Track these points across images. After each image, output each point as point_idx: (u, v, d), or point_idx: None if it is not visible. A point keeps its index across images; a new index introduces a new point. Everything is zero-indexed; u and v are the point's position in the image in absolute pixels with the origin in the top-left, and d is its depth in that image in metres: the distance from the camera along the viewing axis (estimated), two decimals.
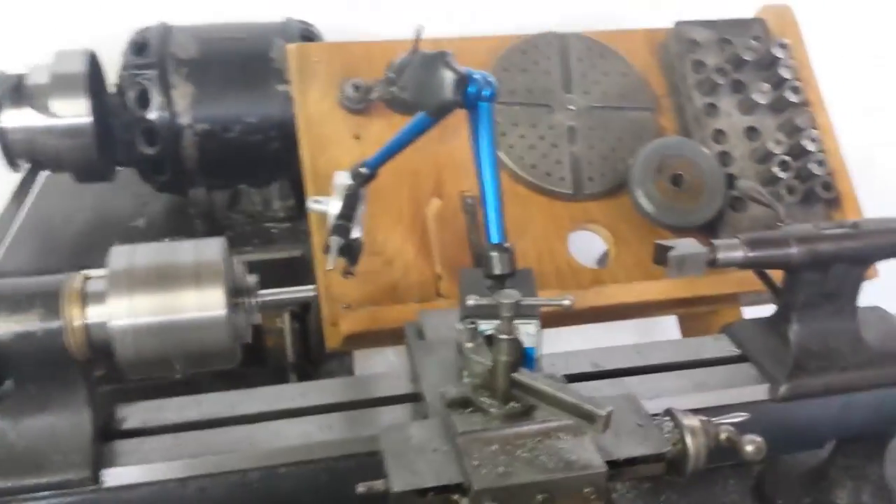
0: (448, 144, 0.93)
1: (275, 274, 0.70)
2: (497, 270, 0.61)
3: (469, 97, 0.60)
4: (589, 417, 0.52)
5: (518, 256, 0.89)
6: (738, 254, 0.66)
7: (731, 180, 0.91)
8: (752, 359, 0.72)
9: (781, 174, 0.88)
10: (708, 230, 0.90)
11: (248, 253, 0.91)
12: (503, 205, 0.63)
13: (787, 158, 0.89)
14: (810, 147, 0.89)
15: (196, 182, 0.96)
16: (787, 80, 0.92)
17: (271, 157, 0.95)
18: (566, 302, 0.55)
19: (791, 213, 0.89)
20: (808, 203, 0.90)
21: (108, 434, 0.60)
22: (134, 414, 0.63)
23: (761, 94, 0.91)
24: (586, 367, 0.71)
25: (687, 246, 0.65)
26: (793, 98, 0.91)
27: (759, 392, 0.69)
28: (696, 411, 0.63)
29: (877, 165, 1.32)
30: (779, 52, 0.92)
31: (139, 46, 0.95)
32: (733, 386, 0.70)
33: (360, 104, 0.90)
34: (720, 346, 0.75)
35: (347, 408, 0.64)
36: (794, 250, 0.66)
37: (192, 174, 0.95)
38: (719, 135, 0.93)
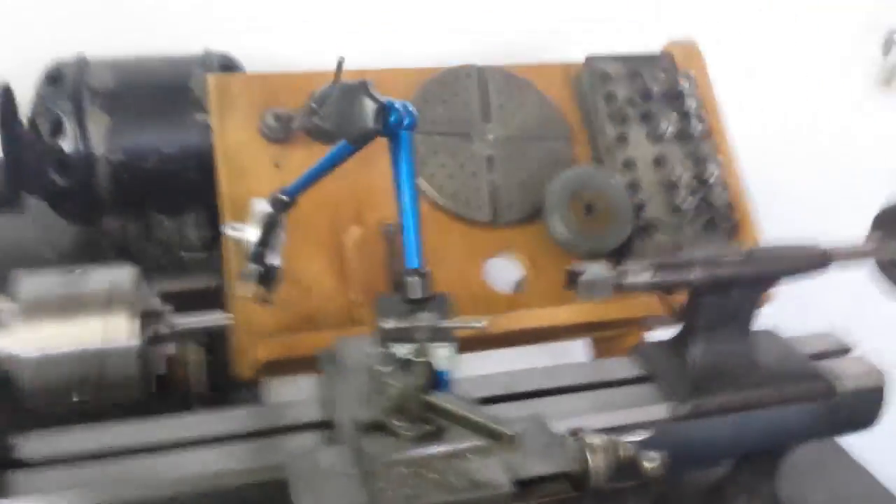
0: (368, 173, 0.94)
1: (189, 304, 0.69)
2: (414, 295, 0.62)
3: (389, 126, 0.61)
4: (498, 437, 0.54)
5: (438, 285, 0.92)
6: (645, 277, 0.69)
7: (639, 208, 0.95)
8: (655, 379, 0.75)
9: (686, 202, 0.92)
10: (617, 256, 0.94)
11: (162, 283, 0.89)
12: (421, 231, 0.64)
13: (691, 186, 0.93)
14: (713, 175, 0.94)
15: (110, 212, 0.95)
16: (691, 110, 0.96)
17: (188, 187, 0.95)
18: (480, 324, 0.56)
19: (694, 239, 0.94)
20: (711, 229, 0.95)
21: (2, 464, 0.59)
22: (30, 444, 0.61)
23: (668, 124, 0.95)
24: (499, 390, 0.73)
25: (596, 270, 0.68)
26: (697, 128, 0.96)
27: (662, 411, 0.71)
28: (601, 430, 0.65)
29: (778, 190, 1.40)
30: (685, 85, 0.97)
31: (54, 77, 0.94)
32: (638, 405, 0.72)
33: (280, 134, 0.91)
34: (627, 367, 0.78)
35: (254, 436, 0.64)
36: (696, 274, 0.69)
37: (106, 205, 0.94)
38: (629, 164, 0.97)
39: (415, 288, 0.62)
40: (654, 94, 0.98)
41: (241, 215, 0.87)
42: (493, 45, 1.24)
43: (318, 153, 0.93)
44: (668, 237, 0.94)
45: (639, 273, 0.68)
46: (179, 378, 0.93)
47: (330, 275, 0.88)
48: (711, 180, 0.94)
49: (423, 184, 0.93)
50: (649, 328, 0.99)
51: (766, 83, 1.49)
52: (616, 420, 0.70)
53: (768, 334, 0.81)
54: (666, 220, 0.95)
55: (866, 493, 0.91)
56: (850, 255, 0.74)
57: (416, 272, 0.62)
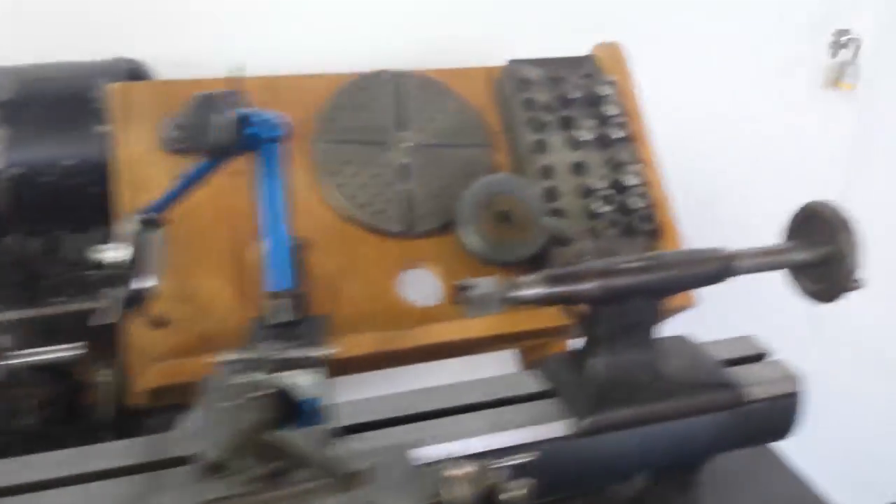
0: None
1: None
2: (276, 319, 0.59)
3: (249, 139, 0.58)
4: (346, 474, 0.51)
5: (346, 298, 0.89)
6: (538, 290, 0.66)
7: (557, 216, 0.93)
8: (559, 393, 0.72)
9: (603, 208, 0.90)
10: (536, 265, 0.91)
11: (63, 302, 0.86)
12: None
13: (608, 193, 0.90)
14: (632, 181, 0.92)
15: (9, 229, 0.91)
16: (611, 116, 0.94)
17: (91, 201, 0.91)
18: (329, 351, 0.53)
19: (614, 246, 0.91)
20: (630, 236, 0.92)
21: None
22: None
23: (586, 130, 0.93)
24: (389, 413, 0.70)
25: (485, 284, 0.65)
26: (617, 134, 0.94)
27: (564, 427, 0.69)
28: (494, 452, 0.63)
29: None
30: (605, 90, 0.95)
31: None
32: (539, 423, 0.70)
33: (184, 144, 0.88)
34: (530, 382, 0.75)
35: (131, 471, 0.60)
36: (591, 285, 0.67)
37: (5, 221, 0.91)
38: (547, 171, 0.94)
39: (278, 311, 0.59)
40: (574, 99, 0.95)
41: None
42: (425, 48, 1.22)
43: (231, 162, 0.91)
44: (586, 245, 0.92)
45: (530, 286, 0.66)
46: (88, 405, 0.90)
47: (229, 292, 0.85)
48: (630, 187, 0.91)
49: (333, 194, 0.90)
50: (571, 337, 0.97)
51: (705, 86, 1.48)
52: (513, 439, 0.67)
53: (679, 341, 0.79)
54: (584, 228, 0.92)
55: (797, 498, 0.89)
56: (755, 261, 0.71)
57: (279, 294, 0.59)
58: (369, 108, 0.95)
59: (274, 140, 0.60)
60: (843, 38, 1.70)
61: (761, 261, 0.72)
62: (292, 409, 0.58)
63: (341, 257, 0.90)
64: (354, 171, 0.92)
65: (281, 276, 0.61)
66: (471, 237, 0.88)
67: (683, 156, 1.53)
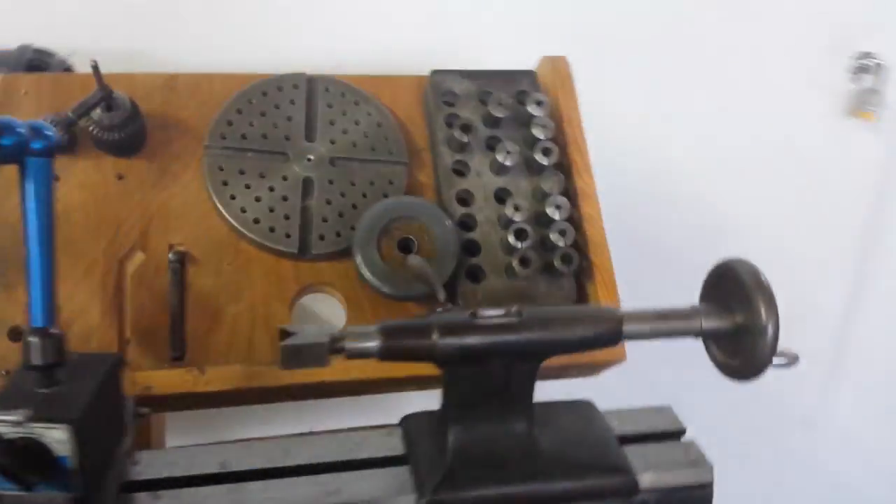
0: (164, 192, 0.83)
1: None
2: (36, 360, 0.51)
3: (5, 150, 0.50)
4: None
5: (230, 322, 0.80)
6: (372, 343, 0.57)
7: (472, 248, 0.83)
8: (411, 461, 0.63)
9: (517, 243, 0.80)
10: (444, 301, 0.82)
11: None
12: (55, 281, 0.52)
13: (525, 227, 0.80)
14: (554, 215, 0.81)
15: None
16: (539, 140, 0.84)
17: None
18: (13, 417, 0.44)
19: (533, 287, 0.81)
20: (552, 276, 0.82)
21: None
22: None
23: (511, 154, 0.83)
24: (212, 468, 0.61)
25: (308, 334, 0.56)
26: (543, 160, 0.83)
27: None
28: None
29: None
30: (534, 110, 0.84)
31: None
32: (375, 495, 0.60)
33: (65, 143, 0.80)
34: (389, 441, 0.65)
35: None
36: (437, 342, 0.57)
37: None
38: (466, 196, 0.84)
39: (36, 352, 0.50)
40: (502, 118, 0.85)
41: (6, 238, 0.78)
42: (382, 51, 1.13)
43: (107, 164, 0.83)
44: (501, 282, 0.82)
45: (363, 339, 0.56)
46: None
47: (98, 307, 0.77)
48: (553, 221, 0.81)
49: (220, 208, 0.82)
50: None
51: (708, 111, 1.36)
52: None
53: (573, 410, 0.69)
54: (497, 264, 0.82)
55: None
56: (649, 326, 0.61)
57: (41, 332, 0.51)
58: (274, 115, 0.86)
59: (42, 153, 0.51)
60: (866, 62, 1.55)
61: (657, 326, 0.61)
62: (43, 462, 0.50)
63: (228, 276, 0.82)
64: (248, 183, 0.83)
65: (40, 312, 0.52)
66: (362, 265, 0.79)
67: (686, 186, 1.42)
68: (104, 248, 0.80)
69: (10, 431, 0.47)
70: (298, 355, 0.55)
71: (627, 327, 0.60)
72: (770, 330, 0.59)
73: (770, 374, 0.63)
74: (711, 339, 0.64)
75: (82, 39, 1.10)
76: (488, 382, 0.60)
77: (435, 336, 0.57)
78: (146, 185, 0.83)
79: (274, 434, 1.18)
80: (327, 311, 0.90)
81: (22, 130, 0.50)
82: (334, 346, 0.56)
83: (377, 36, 1.16)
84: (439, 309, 0.61)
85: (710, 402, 1.44)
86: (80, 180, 0.82)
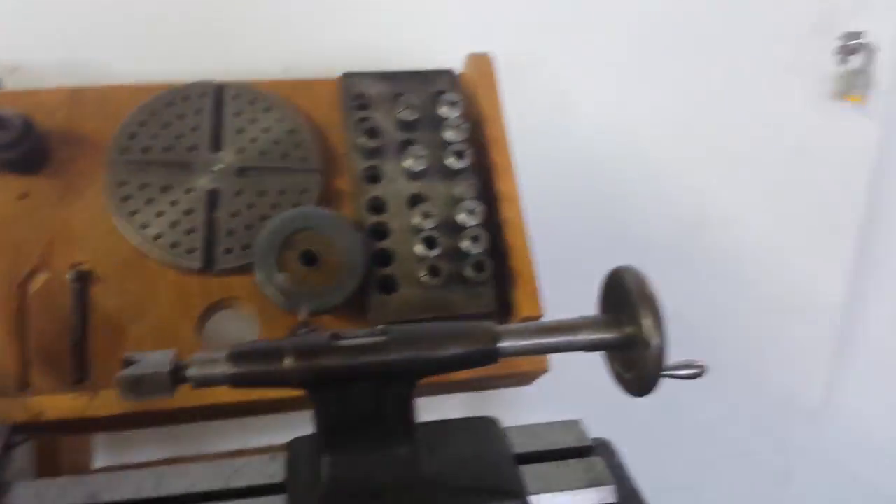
0: (64, 210, 0.81)
1: None
2: None
3: None
4: None
5: (134, 342, 0.78)
6: (220, 370, 0.53)
7: (385, 258, 0.79)
8: (288, 489, 0.59)
9: (427, 252, 0.76)
10: (351, 315, 0.78)
11: None
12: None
13: (433, 234, 0.76)
14: (467, 221, 0.77)
15: None
16: (454, 142, 0.79)
17: None
18: None
19: (450, 297, 0.77)
20: (469, 285, 0.78)
21: None
22: None
23: (417, 159, 0.79)
24: (80, 499, 0.58)
25: (149, 363, 0.52)
26: (455, 164, 0.79)
27: None
28: None
29: None
30: (446, 111, 0.80)
31: None
32: None
33: None
34: (271, 467, 0.62)
35: None
36: (290, 366, 0.53)
37: None
38: (378, 204, 0.81)
39: None
40: (415, 121, 0.81)
41: None
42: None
43: (8, 184, 0.81)
44: (414, 292, 0.78)
45: (211, 364, 0.53)
46: None
47: (0, 330, 0.75)
48: (464, 227, 0.76)
49: (124, 223, 0.79)
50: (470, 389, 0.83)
51: (688, 96, 1.30)
52: None
53: (471, 428, 0.65)
54: (412, 274, 0.78)
55: None
56: (530, 341, 0.56)
57: None
58: (179, 125, 0.83)
59: None
60: (852, 43, 1.48)
61: (539, 340, 0.57)
62: None
63: (131, 294, 0.79)
64: (150, 197, 0.80)
65: None
66: (261, 279, 0.75)
67: (665, 178, 1.37)
68: (4, 271, 0.78)
69: None
70: (139, 386, 0.52)
71: (506, 343, 0.56)
72: (656, 342, 0.54)
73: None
74: (605, 353, 0.60)
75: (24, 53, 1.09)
76: (358, 406, 0.56)
77: (288, 361, 0.53)
78: (49, 203, 0.81)
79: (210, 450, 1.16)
80: (242, 327, 0.87)
81: None
82: (178, 375, 0.52)
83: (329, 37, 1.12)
84: (303, 330, 0.58)
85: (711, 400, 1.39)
86: (41, 199, 0.80)
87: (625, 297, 0.57)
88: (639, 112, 1.36)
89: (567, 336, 0.57)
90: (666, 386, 0.61)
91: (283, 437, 0.65)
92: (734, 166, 1.44)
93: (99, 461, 1.06)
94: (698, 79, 1.37)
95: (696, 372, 0.59)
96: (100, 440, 1.09)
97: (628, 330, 0.57)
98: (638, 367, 0.57)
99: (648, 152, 1.39)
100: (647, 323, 0.55)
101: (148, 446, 1.25)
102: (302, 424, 0.69)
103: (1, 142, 0.76)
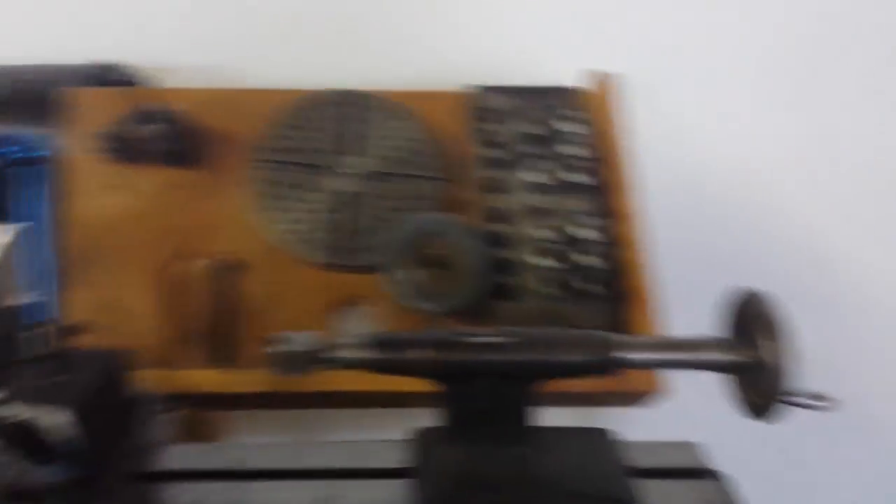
0: (214, 201, 0.87)
1: None
2: (37, 351, 0.54)
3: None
4: None
5: (273, 327, 0.82)
6: (358, 355, 0.57)
7: (505, 267, 0.82)
8: (413, 475, 0.63)
9: (547, 264, 0.78)
10: (472, 319, 0.82)
11: None
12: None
13: (555, 246, 0.78)
14: (587, 236, 0.79)
15: None
16: (571, 158, 0.82)
17: None
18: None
19: (567, 309, 0.79)
20: (586, 299, 0.80)
21: None
22: None
23: (544, 172, 0.81)
24: (225, 465, 0.64)
25: (297, 341, 0.57)
26: (577, 179, 0.81)
27: None
28: None
29: None
30: (570, 127, 0.83)
31: None
32: None
33: (121, 153, 0.86)
34: (396, 452, 0.66)
35: None
36: (422, 356, 0.57)
37: None
38: (500, 214, 0.84)
39: (37, 343, 0.54)
40: (538, 136, 0.84)
41: (78, 238, 0.84)
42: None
43: (163, 175, 0.88)
44: (532, 302, 0.80)
45: (350, 349, 0.57)
46: None
47: (150, 310, 0.82)
48: (582, 241, 0.79)
49: (264, 217, 0.85)
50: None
51: (820, 127, 1.27)
52: None
53: (586, 437, 0.67)
54: (529, 284, 0.81)
55: None
56: (646, 355, 0.58)
57: (40, 325, 0.54)
58: (316, 129, 0.89)
59: (28, 162, 0.55)
60: None
61: (660, 355, 0.58)
62: (39, 446, 0.53)
63: (267, 285, 0.85)
64: (289, 196, 0.86)
65: (38, 306, 0.56)
66: (391, 282, 0.79)
67: (786, 205, 1.33)
68: (157, 254, 0.84)
69: (8, 415, 0.50)
70: (288, 362, 0.56)
71: (624, 354, 0.58)
72: (781, 367, 0.55)
73: None
74: (729, 375, 0.61)
75: (164, 55, 1.17)
76: (478, 403, 0.59)
77: (427, 351, 0.57)
78: (197, 196, 0.87)
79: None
80: (361, 324, 0.91)
81: (10, 141, 0.54)
82: (324, 355, 0.57)
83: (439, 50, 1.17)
84: (434, 326, 0.61)
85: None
86: (138, 190, 0.87)
87: (753, 320, 0.58)
88: (757, 138, 1.34)
89: (689, 354, 0.59)
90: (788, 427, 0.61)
91: (387, 435, 0.68)
92: (858, 200, 1.39)
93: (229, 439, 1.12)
94: (821, 108, 1.34)
95: (823, 405, 0.59)
96: (231, 420, 1.15)
97: (755, 353, 0.58)
98: (760, 391, 0.58)
99: (766, 180, 1.36)
100: (775, 347, 0.56)
101: (270, 430, 1.31)
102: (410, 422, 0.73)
103: (162, 136, 0.83)
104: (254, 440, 1.11)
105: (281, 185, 0.86)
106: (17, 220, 0.57)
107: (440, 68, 1.15)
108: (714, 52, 1.25)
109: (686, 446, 0.71)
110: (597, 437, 0.66)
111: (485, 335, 0.58)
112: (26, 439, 0.52)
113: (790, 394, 0.57)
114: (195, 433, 0.98)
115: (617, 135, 0.86)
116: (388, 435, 0.90)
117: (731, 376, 0.61)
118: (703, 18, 1.25)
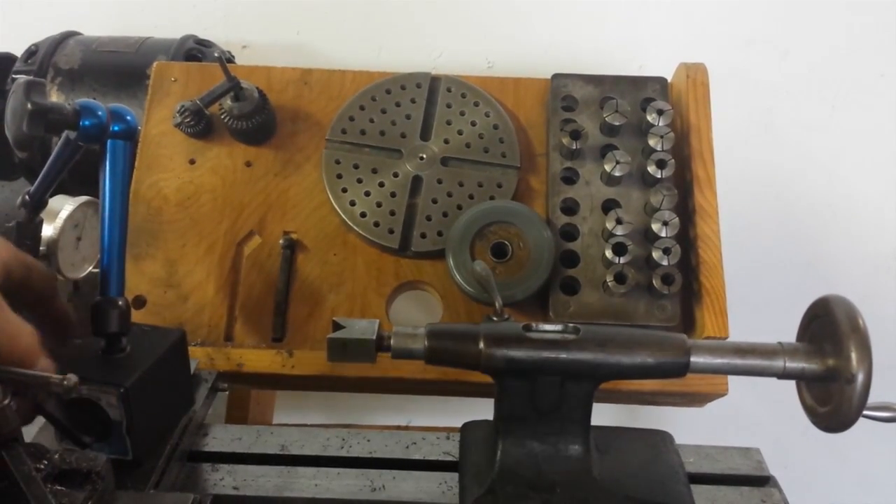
0: (286, 180, 0.88)
1: None
2: (103, 328, 0.55)
3: (86, 131, 0.55)
4: None
5: (329, 310, 0.84)
6: (418, 345, 0.57)
7: (571, 259, 0.80)
8: (461, 468, 0.62)
9: (614, 258, 0.76)
10: (533, 311, 0.80)
11: None
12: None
13: (625, 241, 0.76)
14: (661, 231, 0.76)
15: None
16: (654, 150, 0.79)
17: None
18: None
19: (631, 306, 0.77)
20: (654, 296, 0.77)
21: None
22: None
23: (617, 165, 0.79)
24: (272, 449, 0.64)
25: (356, 329, 0.57)
26: (656, 173, 0.78)
27: None
28: None
29: None
30: (654, 119, 0.80)
31: (29, 53, 0.98)
32: (418, 497, 0.60)
33: (194, 128, 0.87)
34: (446, 445, 0.65)
35: None
36: (482, 350, 0.56)
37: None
38: (571, 205, 0.82)
39: (104, 320, 0.55)
40: (622, 126, 0.81)
41: (148, 211, 0.86)
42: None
43: (238, 151, 0.89)
44: (596, 296, 0.78)
45: (411, 339, 0.56)
46: None
47: (213, 284, 0.84)
48: (661, 237, 0.76)
49: (332, 199, 0.85)
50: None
51: None
52: None
53: (646, 439, 0.65)
54: (596, 278, 0.79)
55: None
56: (718, 360, 0.55)
57: (109, 302, 0.55)
58: (394, 112, 0.88)
59: (121, 136, 0.56)
60: None
61: (732, 360, 0.56)
62: (98, 423, 0.55)
63: (333, 266, 0.85)
64: (361, 178, 0.86)
65: (107, 282, 0.57)
66: (453, 266, 0.78)
67: (866, 209, 1.27)
68: (226, 230, 0.86)
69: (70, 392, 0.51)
70: (344, 349, 0.56)
71: (696, 359, 0.55)
72: (861, 378, 0.52)
73: None
74: (801, 382, 0.58)
75: (254, 33, 1.19)
76: (539, 399, 0.58)
77: (481, 345, 0.55)
78: (270, 173, 0.88)
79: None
80: (425, 309, 0.91)
81: (102, 114, 0.55)
82: (381, 344, 0.56)
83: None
84: (494, 318, 0.60)
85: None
86: (212, 165, 0.88)
87: (831, 328, 0.55)
88: (841, 139, 1.28)
89: (763, 360, 0.56)
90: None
91: (435, 422, 0.67)
92: None
93: (275, 420, 1.15)
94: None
95: (894, 416, 0.56)
96: (278, 400, 1.17)
97: (831, 362, 0.55)
98: (835, 402, 0.54)
99: (848, 182, 1.30)
100: (854, 357, 0.52)
101: (317, 412, 1.33)
102: (458, 413, 0.71)
103: (240, 112, 0.84)
104: (301, 421, 1.12)
105: (353, 166, 0.86)
106: (107, 192, 0.57)
107: (518, 54, 1.13)
108: (795, 47, 1.19)
109: (748, 451, 0.68)
110: (657, 441, 0.64)
111: (551, 331, 0.56)
112: (82, 416, 0.53)
113: (869, 407, 0.54)
114: (244, 412, 1.00)
115: (705, 129, 0.82)
116: (437, 422, 0.90)
117: (805, 384, 0.58)
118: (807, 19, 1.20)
